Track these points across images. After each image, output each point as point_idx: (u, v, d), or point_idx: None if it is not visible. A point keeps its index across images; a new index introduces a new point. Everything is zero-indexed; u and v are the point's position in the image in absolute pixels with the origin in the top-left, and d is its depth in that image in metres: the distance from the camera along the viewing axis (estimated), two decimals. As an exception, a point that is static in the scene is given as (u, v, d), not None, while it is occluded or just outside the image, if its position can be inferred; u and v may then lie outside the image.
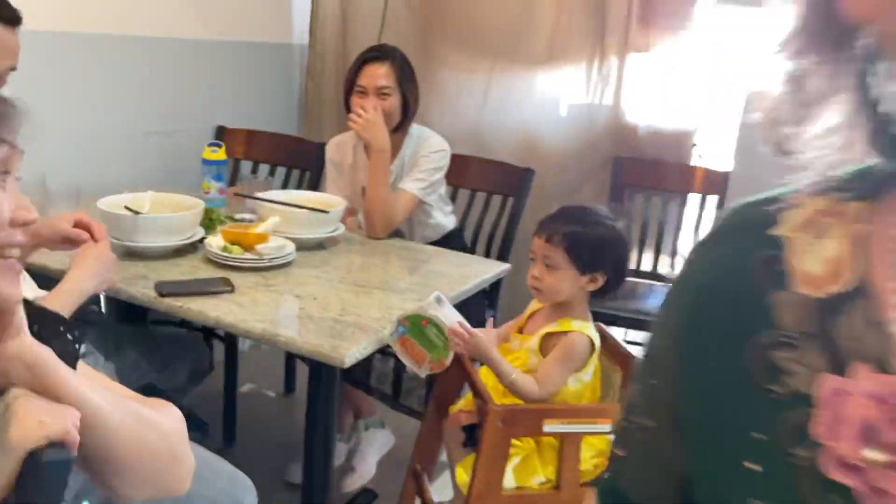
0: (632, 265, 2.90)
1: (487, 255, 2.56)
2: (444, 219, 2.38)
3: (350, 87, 2.16)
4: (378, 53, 2.18)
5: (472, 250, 2.54)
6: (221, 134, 2.82)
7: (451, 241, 2.37)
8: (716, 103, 2.86)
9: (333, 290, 1.67)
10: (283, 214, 1.90)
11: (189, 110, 2.73)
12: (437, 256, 2.02)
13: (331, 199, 2.09)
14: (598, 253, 1.45)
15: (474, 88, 2.98)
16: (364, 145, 2.16)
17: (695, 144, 2.89)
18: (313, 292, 1.64)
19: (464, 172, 2.57)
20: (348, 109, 2.16)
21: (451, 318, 1.46)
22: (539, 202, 2.89)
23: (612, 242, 1.46)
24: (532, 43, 2.87)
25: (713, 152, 2.91)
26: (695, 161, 2.89)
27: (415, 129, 2.26)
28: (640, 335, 2.97)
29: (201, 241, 1.82)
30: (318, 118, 3.18)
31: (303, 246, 1.92)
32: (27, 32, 1.56)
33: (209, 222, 1.96)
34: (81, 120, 2.36)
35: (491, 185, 2.59)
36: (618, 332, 2.99)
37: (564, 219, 1.49)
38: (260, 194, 2.00)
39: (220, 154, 2.31)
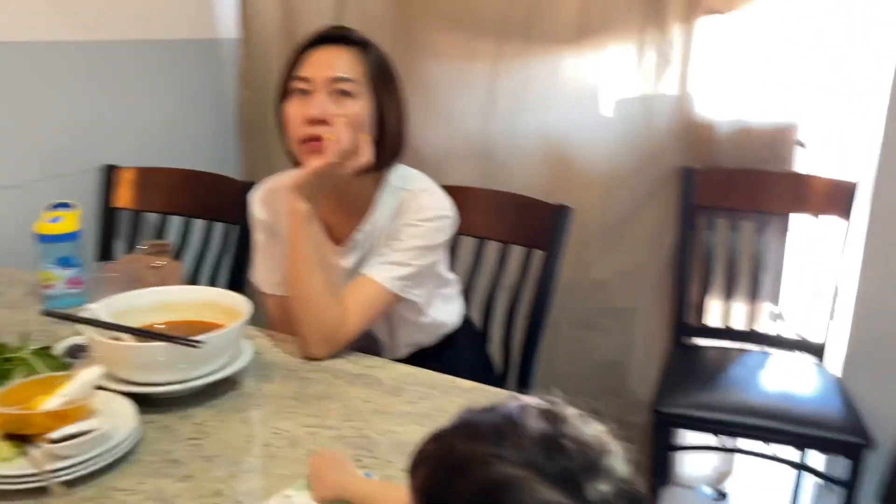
0: (716, 321, 2.01)
1: (507, 341, 1.68)
2: (445, 311, 1.48)
3: (285, 86, 1.28)
4: (338, 33, 1.28)
5: (484, 344, 1.66)
6: (110, 176, 1.96)
7: (455, 344, 1.49)
8: (832, 81, 1.93)
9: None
10: (115, 353, 1.04)
11: (55, 147, 1.86)
12: (438, 392, 1.14)
13: (236, 305, 1.20)
14: None
15: (475, 84, 2.08)
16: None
17: (800, 144, 1.96)
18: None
19: (467, 215, 1.68)
20: (281, 129, 1.29)
21: None
22: (578, 246, 1.99)
23: None
24: (554, 13, 1.97)
25: (828, 154, 1.98)
26: (801, 168, 1.97)
27: (398, 173, 1.36)
28: (742, 442, 2.04)
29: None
30: (262, 144, 2.30)
31: (162, 406, 1.06)
32: None
33: (5, 367, 1.10)
34: None
35: (509, 233, 1.70)
36: (705, 439, 2.07)
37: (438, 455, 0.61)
38: (94, 306, 1.12)
39: (67, 222, 1.45)
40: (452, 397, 1.13)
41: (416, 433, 1.02)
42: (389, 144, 1.29)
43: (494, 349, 1.71)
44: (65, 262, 1.43)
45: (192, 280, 1.88)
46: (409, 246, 1.28)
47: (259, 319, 1.33)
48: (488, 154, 2.09)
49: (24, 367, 1.10)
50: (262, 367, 1.22)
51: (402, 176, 1.35)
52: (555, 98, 2.01)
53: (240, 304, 1.19)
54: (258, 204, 1.42)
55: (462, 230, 1.70)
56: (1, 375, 1.08)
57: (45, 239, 1.42)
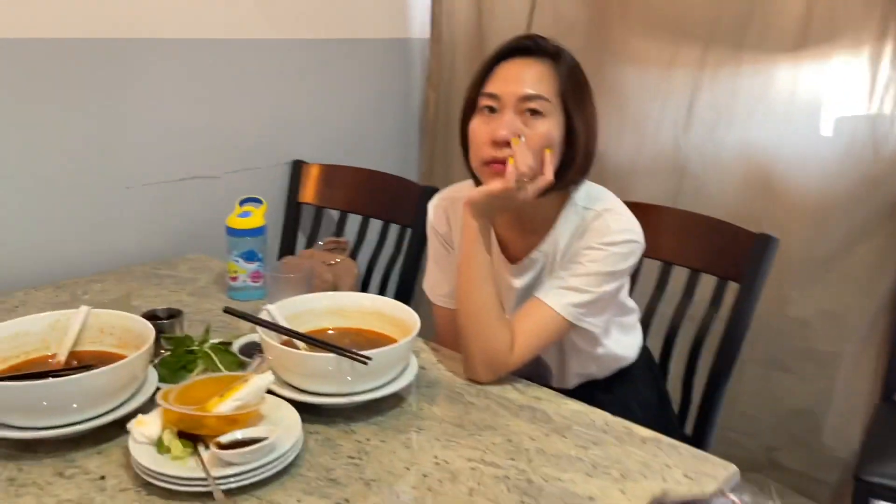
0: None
1: (688, 378, 1.53)
2: (623, 342, 1.36)
3: (471, 101, 1.21)
4: (529, 44, 1.19)
5: (662, 378, 1.52)
6: (298, 171, 2.02)
7: (630, 376, 1.37)
8: None
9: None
10: (286, 359, 1.03)
11: (250, 140, 1.94)
12: (611, 439, 1.05)
13: (405, 318, 1.17)
14: None
15: (673, 94, 1.92)
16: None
17: None
18: None
19: (653, 236, 1.54)
20: (464, 145, 1.24)
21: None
22: (777, 278, 1.78)
23: None
24: (772, 18, 1.77)
25: None
26: None
27: (582, 191, 1.26)
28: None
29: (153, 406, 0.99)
30: (442, 147, 2.28)
31: (325, 416, 1.04)
32: None
33: (188, 359, 1.13)
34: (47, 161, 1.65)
35: (700, 260, 1.55)
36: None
37: None
38: (271, 308, 1.14)
39: (254, 217, 1.49)
40: (628, 447, 1.03)
41: (585, 485, 0.93)
42: (577, 163, 1.20)
43: (673, 385, 1.56)
44: (249, 256, 1.48)
45: (365, 279, 1.89)
46: (590, 271, 1.18)
47: (426, 329, 1.29)
48: (682, 170, 1.92)
49: (205, 359, 1.14)
50: (426, 384, 1.18)
51: (587, 194, 1.25)
52: (764, 112, 1.81)
53: (409, 317, 1.15)
54: (434, 213, 1.38)
55: (647, 253, 1.58)
56: (184, 367, 1.12)
57: (234, 232, 1.48)
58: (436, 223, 1.37)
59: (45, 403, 0.94)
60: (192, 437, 0.93)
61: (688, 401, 1.56)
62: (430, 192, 1.76)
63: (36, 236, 1.57)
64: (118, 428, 0.98)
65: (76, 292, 1.46)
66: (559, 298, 1.17)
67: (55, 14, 1.51)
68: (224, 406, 0.93)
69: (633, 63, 1.96)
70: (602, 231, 1.19)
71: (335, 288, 1.79)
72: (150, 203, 1.75)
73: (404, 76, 2.28)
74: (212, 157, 1.85)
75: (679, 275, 1.58)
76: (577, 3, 2.02)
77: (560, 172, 1.18)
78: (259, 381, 0.96)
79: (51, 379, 0.97)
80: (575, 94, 1.18)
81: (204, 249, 1.82)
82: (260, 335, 1.08)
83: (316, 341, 1.08)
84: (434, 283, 1.39)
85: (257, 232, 1.48)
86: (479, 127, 1.18)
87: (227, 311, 1.13)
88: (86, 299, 1.21)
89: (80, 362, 1.09)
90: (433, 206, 1.39)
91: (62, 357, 1.08)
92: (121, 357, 1.10)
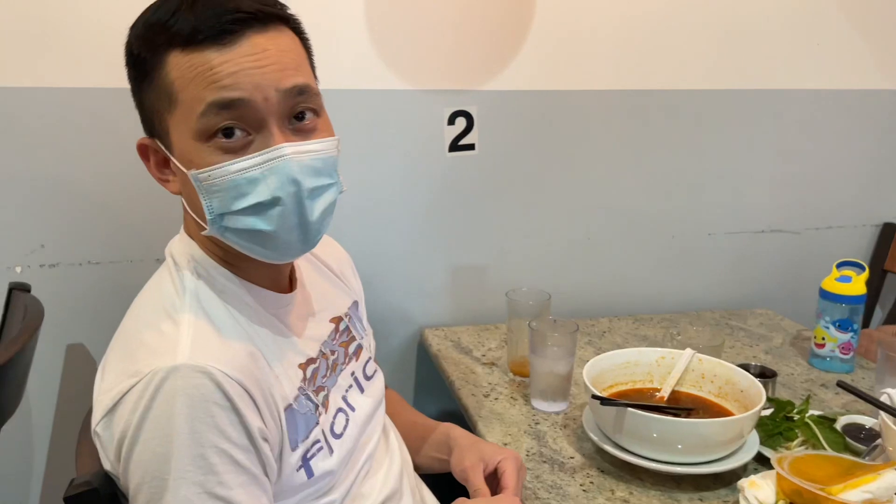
0: None
1: None
2: None
3: None
4: None
5: None
6: (888, 235, 1.78)
7: None
8: None
9: None
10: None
11: (836, 197, 1.78)
12: None
13: None
14: None
15: None
16: None
17: None
18: None
19: None
20: None
21: None
22: None
23: None
24: None
25: None
26: None
27: None
28: None
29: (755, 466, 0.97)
30: None
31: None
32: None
33: (786, 426, 1.08)
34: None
35: None
36: None
37: None
38: (892, 392, 1.00)
39: (855, 284, 1.36)
40: None
41: None
42: None
43: None
44: (844, 325, 1.35)
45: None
46: None
47: None
48: None
49: (805, 431, 1.06)
50: None
51: None
52: None
53: None
54: None
55: None
56: (781, 434, 1.07)
57: (829, 297, 1.36)
58: None
59: (655, 435, 0.99)
60: (803, 515, 0.87)
61: None
62: None
63: (621, 270, 1.69)
64: (716, 480, 0.98)
65: (671, 331, 1.49)
66: None
67: (674, 69, 1.61)
68: (851, 494, 0.84)
69: None
70: None
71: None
72: (728, 252, 1.74)
73: None
74: (794, 212, 1.76)
75: None
76: None
77: None
78: (892, 478, 0.85)
79: (667, 416, 1.01)
80: None
81: (770, 304, 1.75)
82: (882, 421, 0.96)
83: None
84: None
85: (857, 300, 1.35)
86: None
87: (841, 385, 1.04)
88: (680, 340, 1.25)
89: (679, 402, 1.12)
90: None
91: (665, 394, 1.13)
92: (717, 406, 1.11)
